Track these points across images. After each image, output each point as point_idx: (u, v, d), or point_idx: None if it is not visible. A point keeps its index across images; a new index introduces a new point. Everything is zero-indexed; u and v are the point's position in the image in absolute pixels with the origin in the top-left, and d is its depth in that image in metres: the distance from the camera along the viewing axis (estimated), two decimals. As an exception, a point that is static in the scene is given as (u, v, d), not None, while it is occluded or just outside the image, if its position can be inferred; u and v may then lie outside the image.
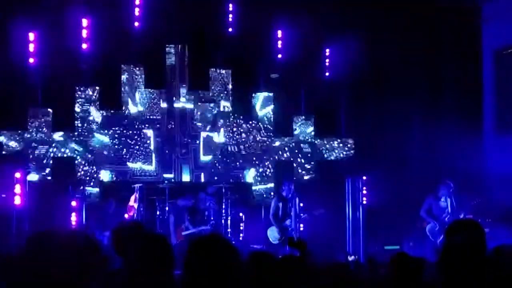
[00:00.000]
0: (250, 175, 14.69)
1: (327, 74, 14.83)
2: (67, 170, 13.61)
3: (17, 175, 12.24)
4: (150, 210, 13.03)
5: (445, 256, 3.42)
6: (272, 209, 13.06)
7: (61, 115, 13.69)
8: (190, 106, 14.48)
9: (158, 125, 14.28)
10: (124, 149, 14.06)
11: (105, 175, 13.95)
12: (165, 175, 14.22)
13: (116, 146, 14.03)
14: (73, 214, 12.61)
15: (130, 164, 14.09)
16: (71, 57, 13.39)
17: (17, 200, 12.12)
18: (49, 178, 13.54)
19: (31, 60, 13.16)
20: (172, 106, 14.35)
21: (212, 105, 14.58)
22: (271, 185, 14.67)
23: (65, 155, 13.77)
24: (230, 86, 14.60)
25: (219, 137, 14.61)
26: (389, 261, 5.33)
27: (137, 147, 14.13)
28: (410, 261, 5.22)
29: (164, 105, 14.31)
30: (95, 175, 13.88)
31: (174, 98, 14.36)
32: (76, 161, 13.84)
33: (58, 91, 13.43)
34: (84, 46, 13.48)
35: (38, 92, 13.32)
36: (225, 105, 14.64)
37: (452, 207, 12.82)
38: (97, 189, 13.79)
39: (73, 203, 12.64)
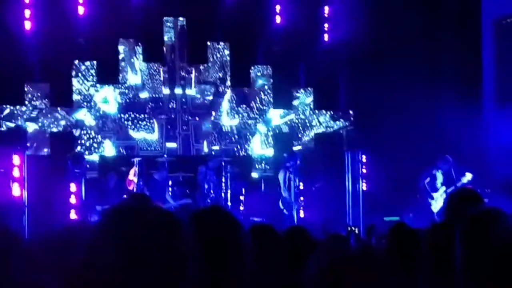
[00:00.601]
0: (251, 147, 14.69)
1: (326, 38, 14.69)
2: (66, 145, 13.56)
3: (15, 151, 12.18)
4: (150, 184, 13.00)
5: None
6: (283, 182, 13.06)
7: (59, 90, 13.61)
8: (190, 81, 14.46)
9: (160, 103, 14.32)
10: (127, 120, 14.10)
11: (109, 148, 13.98)
12: (168, 145, 14.20)
13: (119, 117, 14.08)
14: (73, 188, 12.56)
15: (133, 134, 14.11)
16: (69, 31, 13.28)
17: (16, 173, 12.05)
18: (46, 153, 13.48)
19: (27, 35, 13.03)
20: (174, 82, 14.31)
21: (211, 79, 14.52)
22: (270, 154, 14.67)
23: (61, 129, 13.73)
24: (227, 59, 14.53)
25: (219, 111, 14.56)
26: (388, 232, 5.31)
27: (141, 117, 14.18)
28: (408, 232, 5.20)
29: (165, 81, 14.34)
30: (98, 149, 13.89)
31: (174, 74, 14.31)
32: (78, 134, 13.84)
33: (55, 65, 13.32)
34: (81, 11, 13.34)
35: (36, 66, 13.20)
36: (224, 78, 14.59)
37: (451, 181, 12.83)
38: (96, 163, 13.78)
39: (72, 182, 12.59)
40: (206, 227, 3.05)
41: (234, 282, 3.01)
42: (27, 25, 13.01)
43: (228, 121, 14.60)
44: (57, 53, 13.15)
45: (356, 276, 3.16)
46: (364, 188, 13.99)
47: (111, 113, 14.05)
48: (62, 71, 13.58)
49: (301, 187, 13.39)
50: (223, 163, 13.28)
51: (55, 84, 13.58)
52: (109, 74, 13.97)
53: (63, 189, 12.35)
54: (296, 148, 14.72)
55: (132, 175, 12.65)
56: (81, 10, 13.36)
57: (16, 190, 11.90)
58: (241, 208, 13.38)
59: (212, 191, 12.74)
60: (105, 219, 2.19)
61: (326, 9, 14.79)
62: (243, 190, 13.54)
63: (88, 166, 13.45)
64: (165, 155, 13.58)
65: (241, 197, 13.49)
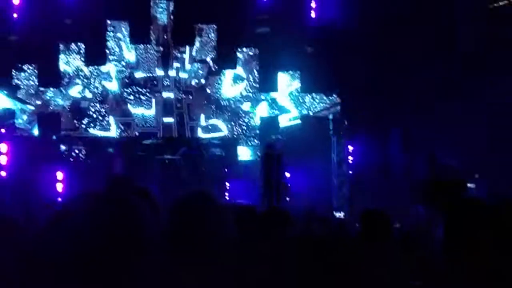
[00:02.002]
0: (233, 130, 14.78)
1: (313, 15, 14.67)
2: (53, 125, 13.57)
3: (2, 131, 12.24)
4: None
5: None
6: (262, 166, 13.04)
7: (46, 70, 13.59)
8: (179, 64, 14.58)
9: (155, 82, 14.48)
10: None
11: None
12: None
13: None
14: (59, 172, 12.63)
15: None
16: (56, 13, 13.24)
17: (3, 160, 12.14)
18: (35, 134, 13.51)
19: (15, 15, 12.98)
20: (167, 64, 14.46)
21: (200, 61, 14.59)
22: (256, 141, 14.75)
23: (50, 110, 13.77)
24: (213, 43, 14.54)
25: (207, 93, 14.64)
26: (359, 217, 5.39)
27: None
28: (378, 217, 5.28)
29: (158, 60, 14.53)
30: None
31: (168, 54, 14.45)
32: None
33: (42, 46, 13.28)
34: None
35: (24, 47, 13.16)
36: (211, 60, 14.62)
37: None
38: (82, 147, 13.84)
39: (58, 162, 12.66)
40: (190, 212, 3.12)
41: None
42: (15, 14, 12.99)
43: (217, 102, 14.70)
44: (44, 35, 13.11)
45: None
46: (350, 172, 14.05)
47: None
48: (49, 52, 13.55)
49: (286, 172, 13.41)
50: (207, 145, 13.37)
51: (42, 65, 13.55)
52: (96, 56, 13.95)
53: (49, 172, 12.43)
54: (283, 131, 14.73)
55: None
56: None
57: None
58: (226, 193, 13.41)
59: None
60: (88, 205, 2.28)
61: None
62: (227, 173, 13.59)
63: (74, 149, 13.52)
64: (151, 138, 13.70)
65: (225, 181, 13.56)
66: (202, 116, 14.61)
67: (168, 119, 14.41)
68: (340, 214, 13.26)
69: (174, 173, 12.85)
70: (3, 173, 12.12)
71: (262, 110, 14.85)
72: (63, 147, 13.22)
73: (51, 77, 13.67)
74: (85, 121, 13.98)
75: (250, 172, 13.69)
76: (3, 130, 12.29)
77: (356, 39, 13.86)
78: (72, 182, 12.51)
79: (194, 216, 3.13)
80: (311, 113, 14.90)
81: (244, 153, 14.62)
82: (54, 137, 13.09)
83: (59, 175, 12.78)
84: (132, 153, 13.10)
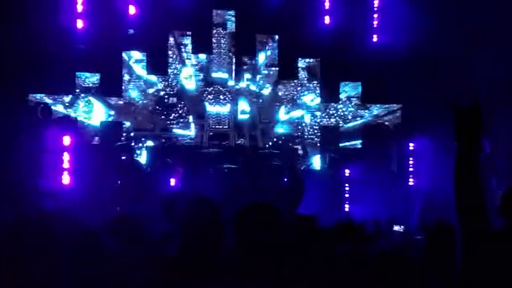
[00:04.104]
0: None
1: (375, 39, 14.57)
2: (114, 135, 13.72)
3: (65, 139, 12.48)
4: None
5: None
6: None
7: (108, 80, 13.76)
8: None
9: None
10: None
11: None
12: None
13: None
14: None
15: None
16: (119, 22, 13.43)
17: (66, 164, 12.37)
18: (95, 142, 13.68)
19: (78, 23, 13.19)
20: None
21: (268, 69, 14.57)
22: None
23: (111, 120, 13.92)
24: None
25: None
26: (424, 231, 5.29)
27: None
28: (444, 230, 5.16)
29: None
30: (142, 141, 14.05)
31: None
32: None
33: (105, 55, 13.46)
34: (132, 11, 13.50)
35: (86, 56, 13.35)
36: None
37: None
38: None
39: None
40: (251, 224, 3.09)
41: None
42: (79, 23, 13.21)
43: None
44: (107, 44, 13.29)
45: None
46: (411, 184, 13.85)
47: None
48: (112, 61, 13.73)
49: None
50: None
51: (105, 74, 13.71)
52: (158, 66, 14.05)
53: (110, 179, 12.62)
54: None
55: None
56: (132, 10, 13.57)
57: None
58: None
59: None
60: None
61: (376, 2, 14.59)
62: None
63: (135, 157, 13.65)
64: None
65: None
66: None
67: (242, 117, 14.51)
68: (399, 228, 13.03)
69: (233, 183, 12.82)
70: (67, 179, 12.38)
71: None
72: (123, 156, 13.33)
73: (114, 86, 13.84)
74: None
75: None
76: (67, 139, 12.51)
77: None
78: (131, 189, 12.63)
79: (256, 227, 3.10)
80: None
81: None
82: (115, 145, 13.23)
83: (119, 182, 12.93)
84: (192, 161, 13.15)
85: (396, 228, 13.03)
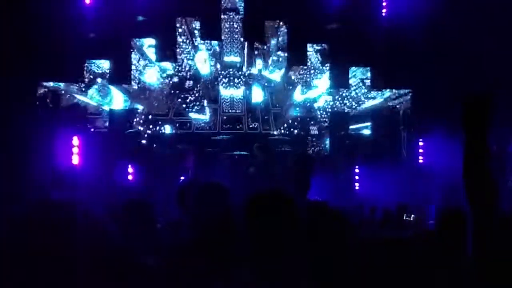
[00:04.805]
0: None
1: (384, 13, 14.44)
2: (124, 122, 13.75)
3: (75, 129, 12.56)
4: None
5: None
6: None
7: (118, 67, 13.76)
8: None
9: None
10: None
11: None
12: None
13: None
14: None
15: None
16: (128, 8, 13.41)
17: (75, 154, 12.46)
18: (105, 130, 13.70)
19: (87, 13, 13.18)
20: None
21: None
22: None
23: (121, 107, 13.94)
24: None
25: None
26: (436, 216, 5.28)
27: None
28: (456, 215, 5.15)
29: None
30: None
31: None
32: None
33: (114, 42, 13.45)
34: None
35: (95, 43, 13.34)
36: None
37: None
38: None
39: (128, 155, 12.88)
40: (263, 212, 3.10)
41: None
42: (87, 11, 13.23)
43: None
44: (116, 31, 13.27)
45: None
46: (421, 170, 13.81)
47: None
48: (121, 48, 13.72)
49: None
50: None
51: (114, 61, 13.72)
52: (166, 52, 14.06)
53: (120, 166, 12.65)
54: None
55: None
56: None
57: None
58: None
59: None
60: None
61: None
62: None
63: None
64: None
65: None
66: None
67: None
68: (410, 216, 12.96)
69: (244, 169, 12.86)
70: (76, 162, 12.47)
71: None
72: (134, 143, 13.36)
73: (123, 73, 13.84)
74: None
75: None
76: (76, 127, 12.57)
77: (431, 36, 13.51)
78: (143, 177, 12.69)
79: (269, 214, 3.10)
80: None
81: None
82: (126, 132, 13.28)
83: (130, 169, 13.02)
84: (203, 149, 13.17)
85: (406, 217, 13.00)
